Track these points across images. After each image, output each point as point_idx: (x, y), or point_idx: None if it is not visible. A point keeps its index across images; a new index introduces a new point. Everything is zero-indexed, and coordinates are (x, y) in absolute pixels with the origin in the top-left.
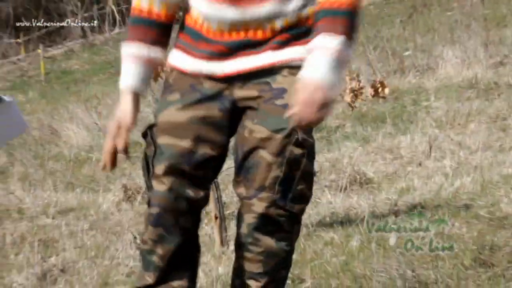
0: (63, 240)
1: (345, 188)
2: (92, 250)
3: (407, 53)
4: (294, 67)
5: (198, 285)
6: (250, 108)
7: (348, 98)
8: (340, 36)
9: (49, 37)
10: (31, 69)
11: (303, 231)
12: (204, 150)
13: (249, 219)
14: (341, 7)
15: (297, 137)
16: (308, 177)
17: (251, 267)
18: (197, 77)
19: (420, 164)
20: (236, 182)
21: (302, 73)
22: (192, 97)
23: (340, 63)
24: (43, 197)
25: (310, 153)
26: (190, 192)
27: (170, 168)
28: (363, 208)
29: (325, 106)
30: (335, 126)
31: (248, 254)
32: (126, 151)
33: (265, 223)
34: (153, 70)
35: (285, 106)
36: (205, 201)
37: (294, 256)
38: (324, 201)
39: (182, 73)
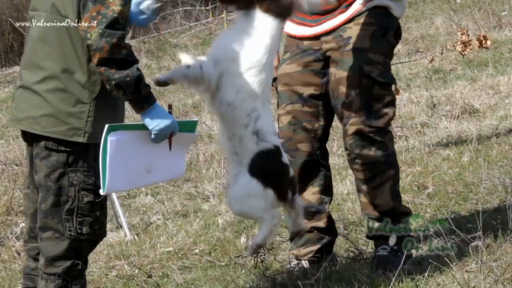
0: None
1: (458, 116)
2: None
3: (503, 13)
4: (354, 18)
5: (345, 191)
6: (333, 57)
7: (459, 48)
8: None
9: None
10: (217, 29)
11: (426, 149)
12: (310, 91)
13: (349, 140)
14: None
15: (364, 71)
16: (381, 98)
17: (360, 175)
18: (300, 38)
19: None
20: (337, 116)
21: None
22: (296, 54)
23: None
24: None
25: (379, 81)
26: (306, 124)
27: (286, 107)
28: (472, 132)
29: None
30: (449, 69)
31: (356, 166)
32: None
33: (361, 140)
34: None
35: (352, 50)
36: (321, 131)
37: (419, 169)
38: (441, 127)
39: (291, 37)
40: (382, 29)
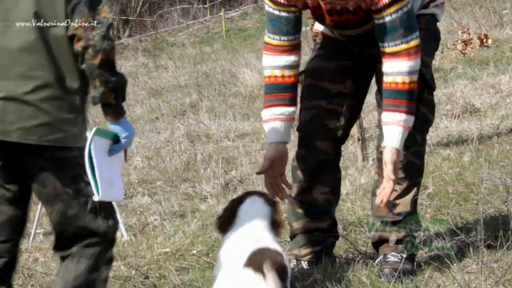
0: (241, 158)
1: (458, 116)
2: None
3: (505, 11)
4: None
5: (345, 191)
6: (377, 58)
7: (460, 47)
8: (403, 113)
9: (229, 2)
10: (215, 27)
11: (426, 149)
12: (338, 89)
13: None
14: (399, 88)
15: (422, 72)
16: (428, 103)
17: None
18: (337, 38)
19: None
20: (378, 111)
21: (385, 143)
22: (331, 51)
23: (406, 131)
24: (225, 125)
25: (429, 84)
26: (327, 122)
27: (311, 102)
28: (472, 131)
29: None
30: (450, 68)
31: None
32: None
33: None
34: (292, 123)
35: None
36: (341, 132)
37: None
38: (442, 126)
39: (326, 36)
40: (431, 35)
